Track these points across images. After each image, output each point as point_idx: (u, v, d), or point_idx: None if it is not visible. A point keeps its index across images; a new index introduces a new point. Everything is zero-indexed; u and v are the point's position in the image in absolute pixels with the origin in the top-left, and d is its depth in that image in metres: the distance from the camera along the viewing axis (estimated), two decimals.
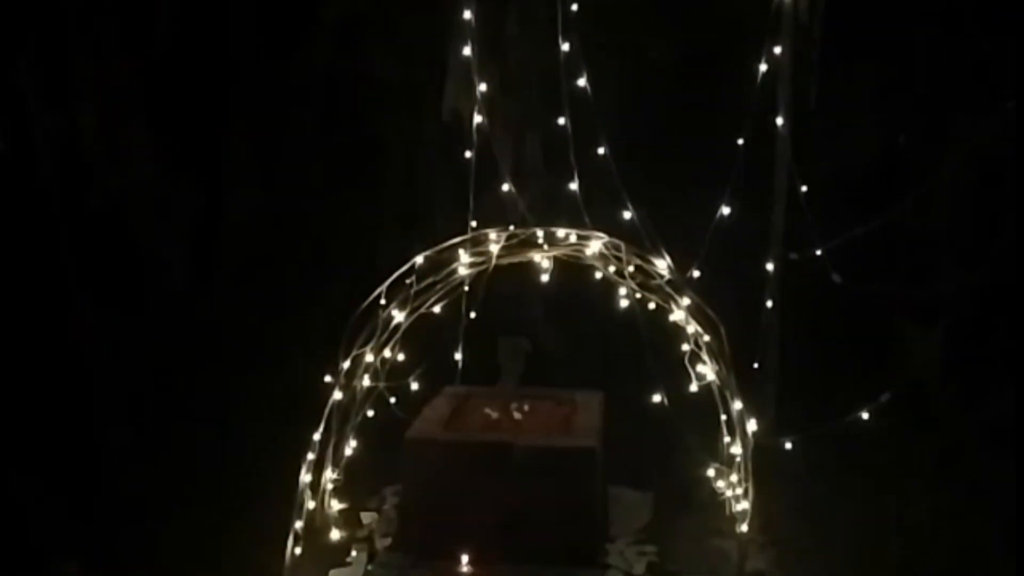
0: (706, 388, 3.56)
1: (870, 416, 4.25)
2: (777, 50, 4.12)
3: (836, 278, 4.32)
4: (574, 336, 5.03)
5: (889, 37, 4.73)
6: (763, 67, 4.11)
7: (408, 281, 3.41)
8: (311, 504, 3.44)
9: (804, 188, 4.32)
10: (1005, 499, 3.82)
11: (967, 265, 4.84)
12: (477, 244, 3.60)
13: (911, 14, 4.73)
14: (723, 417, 3.58)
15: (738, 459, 3.56)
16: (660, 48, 4.60)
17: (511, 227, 3.54)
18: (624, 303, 3.57)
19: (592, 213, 4.15)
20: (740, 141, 4.21)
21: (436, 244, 3.61)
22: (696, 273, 4.21)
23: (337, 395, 3.39)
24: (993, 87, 4.72)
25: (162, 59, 5.11)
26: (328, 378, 3.40)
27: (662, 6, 4.73)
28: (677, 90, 4.92)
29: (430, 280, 3.45)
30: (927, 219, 4.78)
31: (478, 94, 4.38)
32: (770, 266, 4.49)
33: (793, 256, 4.50)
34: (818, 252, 4.39)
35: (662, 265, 3.55)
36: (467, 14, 4.32)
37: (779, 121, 4.24)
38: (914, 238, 4.84)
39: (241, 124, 5.38)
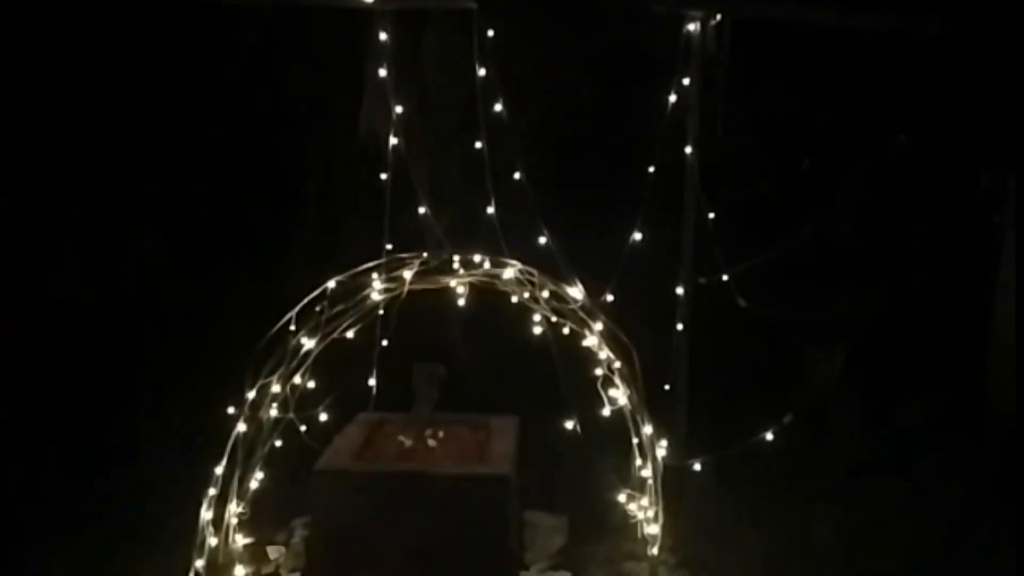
0: (619, 412, 3.61)
1: (776, 435, 4.38)
2: (686, 82, 4.25)
3: (741, 302, 4.46)
4: (490, 361, 5.02)
5: (791, 71, 4.96)
6: (672, 98, 4.23)
7: (318, 308, 3.33)
8: (213, 541, 3.30)
9: (712, 215, 4.45)
10: (905, 516, 4.01)
11: (864, 288, 5.11)
12: (392, 269, 3.56)
13: (812, 49, 4.97)
14: (635, 441, 3.64)
15: (649, 482, 3.61)
16: (574, 78, 4.69)
17: (425, 254, 3.51)
18: (538, 330, 3.58)
19: (508, 237, 4.17)
20: (651, 169, 4.31)
21: (350, 268, 3.56)
22: (609, 297, 4.28)
23: (241, 427, 3.27)
24: (888, 119, 5.02)
25: (65, 75, 4.90)
26: (231, 409, 3.28)
27: (576, 38, 4.83)
28: (590, 119, 5.02)
29: (341, 307, 3.37)
30: (827, 244, 5.02)
31: (394, 116, 4.35)
32: (680, 290, 4.61)
33: (702, 280, 4.63)
34: (724, 277, 4.53)
35: (575, 291, 3.59)
36: (383, 36, 4.29)
37: (688, 150, 4.36)
38: (815, 263, 5.07)
39: (147, 143, 5.19)
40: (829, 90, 5.01)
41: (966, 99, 4.88)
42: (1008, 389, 4.56)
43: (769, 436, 4.31)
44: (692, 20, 4.16)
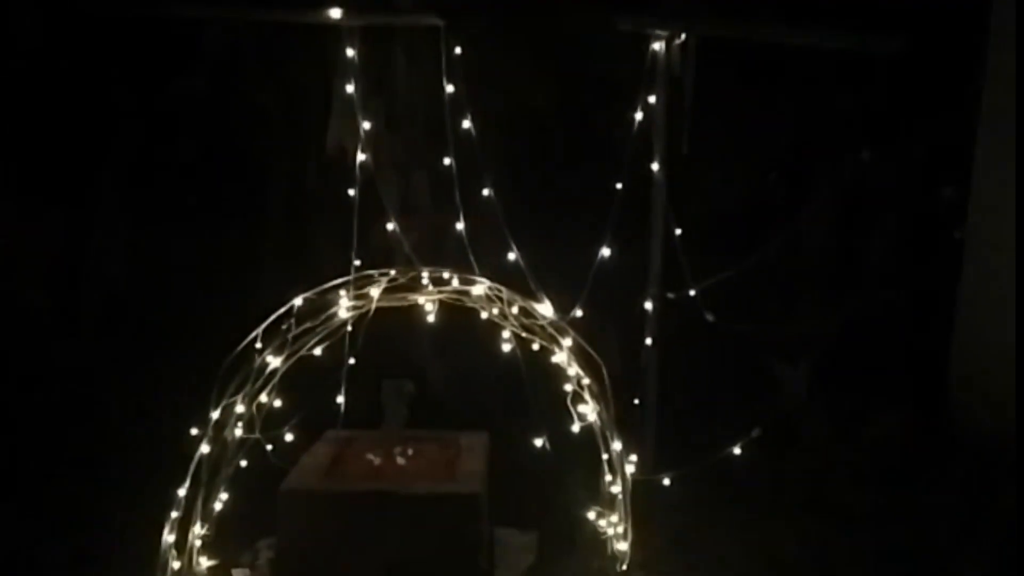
0: (589, 427, 3.61)
1: (744, 450, 4.42)
2: (652, 99, 4.30)
3: (709, 317, 4.50)
4: (460, 377, 5.01)
5: (755, 88, 5.04)
6: (639, 115, 4.28)
7: (284, 326, 3.29)
8: (176, 564, 3.23)
9: (679, 230, 4.49)
10: (873, 528, 4.05)
11: (830, 302, 5.19)
12: (359, 286, 3.54)
13: (775, 67, 5.06)
14: (604, 456, 3.64)
15: (619, 498, 3.62)
16: (541, 95, 4.72)
17: (393, 271, 3.49)
18: (507, 347, 3.58)
19: (477, 253, 4.18)
20: (619, 185, 4.35)
21: (317, 285, 3.53)
22: (578, 313, 4.30)
23: (204, 448, 3.21)
24: (850, 136, 5.12)
25: (29, 89, 4.83)
26: (195, 430, 3.23)
27: (544, 56, 4.86)
28: (558, 136, 5.06)
29: (307, 325, 3.34)
30: (793, 259, 5.10)
31: (362, 131, 4.34)
32: (648, 305, 4.63)
33: (670, 296, 4.67)
34: (692, 292, 4.57)
35: (544, 307, 3.59)
36: (350, 51, 4.29)
37: (655, 166, 4.40)
38: (781, 277, 5.14)
39: (111, 159, 5.12)
40: (793, 107, 5.11)
41: (926, 115, 5.00)
42: (970, 401, 4.65)
43: (737, 450, 4.35)
44: (657, 39, 4.21)
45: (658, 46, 4.22)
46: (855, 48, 4.41)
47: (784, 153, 5.17)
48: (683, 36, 4.21)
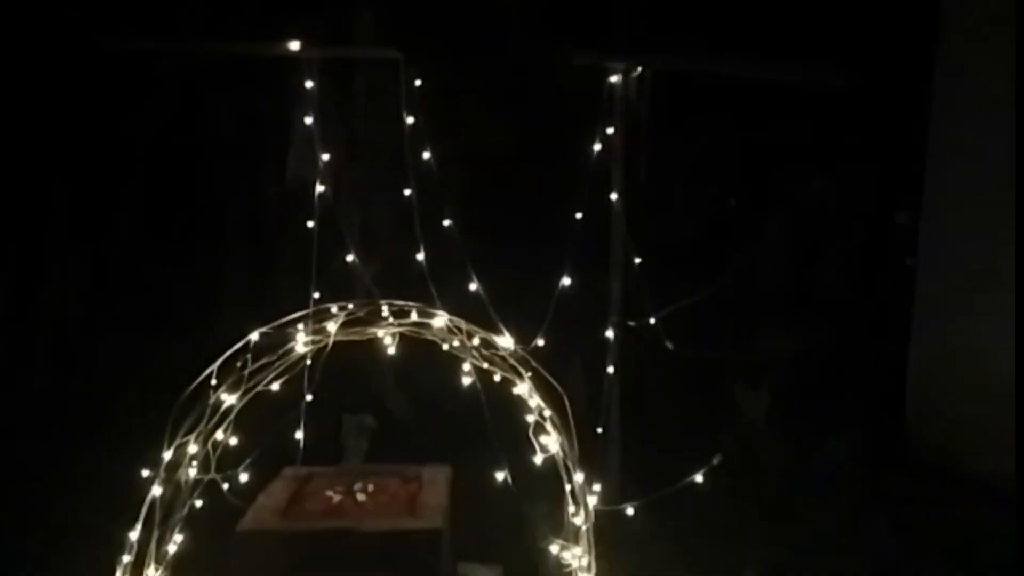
0: (552, 459, 3.59)
1: (706, 476, 4.43)
2: (610, 131, 4.36)
3: (669, 345, 4.53)
4: (422, 410, 4.96)
5: (709, 119, 5.14)
6: (597, 146, 4.33)
7: (239, 363, 3.23)
8: None
9: (638, 259, 4.53)
10: (830, 555, 4.09)
11: (787, 326, 5.27)
12: (318, 319, 3.50)
13: (729, 98, 5.17)
14: (568, 488, 3.62)
15: (583, 530, 3.59)
16: (502, 127, 4.76)
17: (350, 305, 3.45)
18: (467, 380, 3.55)
19: (439, 285, 4.16)
20: (578, 215, 4.38)
21: (276, 319, 3.48)
22: (540, 343, 4.30)
23: (156, 490, 3.13)
24: (804, 165, 5.24)
25: None
26: (146, 472, 3.14)
27: (503, 88, 4.91)
28: (518, 167, 5.09)
29: (264, 361, 3.28)
30: (751, 287, 5.17)
31: (321, 163, 4.32)
32: (610, 334, 4.65)
33: (631, 324, 4.69)
34: (652, 320, 4.60)
35: (505, 339, 3.58)
36: (309, 83, 4.28)
37: (613, 196, 4.45)
38: (740, 303, 5.21)
39: (67, 194, 5.03)
40: (747, 137, 5.21)
41: (877, 145, 5.14)
42: (925, 424, 4.74)
43: (699, 478, 4.36)
44: (614, 72, 4.28)
45: (615, 79, 4.29)
46: (807, 81, 4.52)
47: (739, 181, 5.27)
48: (639, 69, 4.29)
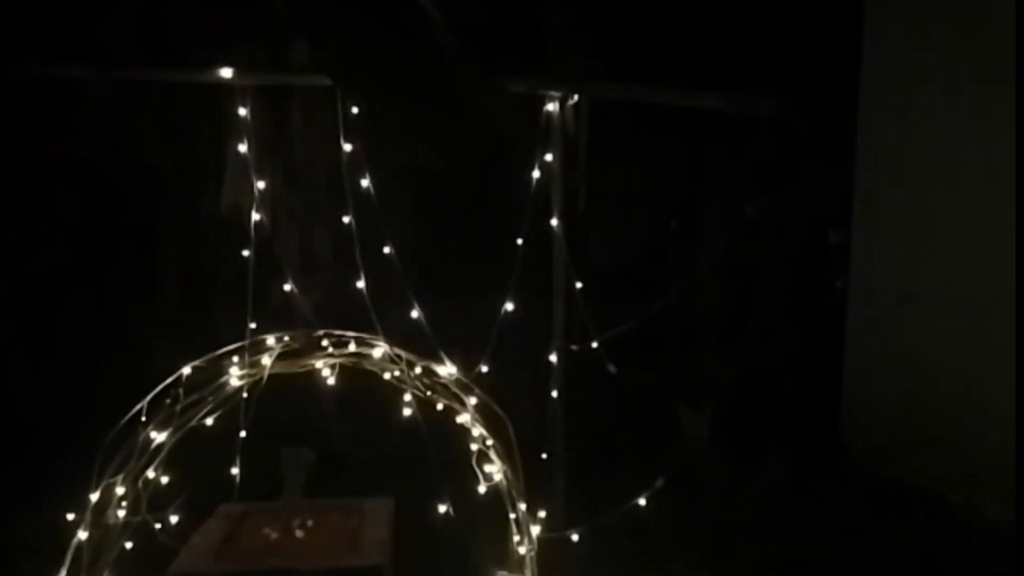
0: (497, 487, 3.56)
1: (650, 499, 4.46)
2: (548, 157, 4.40)
3: (611, 368, 4.56)
4: (364, 441, 4.88)
5: (646, 145, 5.23)
6: (536, 173, 4.37)
7: (167, 400, 3.13)
8: None
9: (579, 284, 4.57)
10: (777, 569, 4.13)
11: (728, 349, 5.36)
12: (255, 351, 3.41)
13: (664, 125, 5.28)
14: (512, 516, 3.59)
15: (527, 559, 3.56)
16: (441, 154, 4.76)
17: (286, 337, 3.39)
18: (407, 411, 3.51)
19: (380, 313, 4.11)
20: (520, 241, 4.40)
21: (210, 351, 3.38)
22: (483, 369, 4.28)
23: (82, 534, 2.99)
24: (738, 190, 5.37)
25: None
26: (71, 515, 3.00)
27: (441, 115, 4.91)
28: (459, 194, 5.09)
29: (194, 397, 3.19)
30: (691, 309, 5.25)
31: (256, 190, 4.25)
32: (553, 358, 4.66)
33: (574, 348, 4.71)
34: (595, 344, 4.63)
35: (447, 367, 3.55)
36: (242, 110, 4.22)
37: (554, 222, 4.49)
38: (681, 326, 5.28)
39: None
40: (683, 163, 5.32)
41: (807, 169, 5.29)
42: (860, 442, 4.86)
43: (642, 501, 4.38)
44: (551, 100, 4.34)
45: (552, 107, 4.34)
46: (738, 109, 4.65)
47: (675, 207, 5.37)
48: (575, 97, 4.35)
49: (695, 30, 5.00)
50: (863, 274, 4.95)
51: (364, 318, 4.04)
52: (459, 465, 3.63)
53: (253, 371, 3.31)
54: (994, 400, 4.05)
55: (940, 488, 4.28)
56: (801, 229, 5.28)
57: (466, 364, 4.05)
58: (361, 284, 4.26)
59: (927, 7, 4.54)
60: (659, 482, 4.35)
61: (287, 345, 3.32)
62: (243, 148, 4.22)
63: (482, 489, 3.53)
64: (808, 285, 5.36)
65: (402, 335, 3.90)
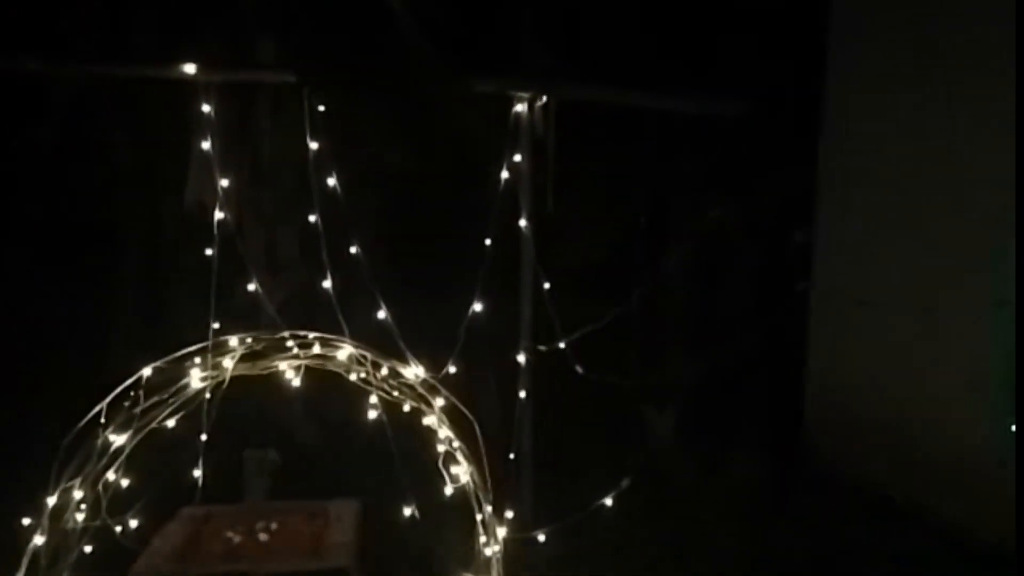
0: (463, 489, 3.56)
1: (616, 499, 4.48)
2: (517, 158, 4.40)
3: (579, 369, 4.58)
4: (329, 443, 4.83)
5: (614, 146, 5.26)
6: (505, 174, 4.37)
7: (126, 402, 3.07)
8: None
9: (547, 285, 4.57)
10: (743, 567, 4.19)
11: (694, 350, 5.41)
12: (218, 351, 3.36)
13: (632, 126, 5.30)
14: (479, 518, 3.59)
15: (494, 560, 3.56)
16: (409, 153, 4.74)
17: (249, 339, 3.34)
18: (373, 413, 3.48)
19: (347, 313, 4.08)
20: (488, 242, 4.40)
21: (172, 351, 3.33)
22: (451, 369, 4.27)
23: (39, 539, 2.93)
24: (705, 191, 5.42)
25: None
26: (27, 520, 2.94)
27: (410, 114, 4.89)
28: (427, 194, 5.07)
29: (155, 398, 3.13)
30: (658, 310, 5.29)
31: (220, 188, 4.18)
32: (521, 359, 4.67)
33: (541, 348, 4.72)
34: (562, 344, 4.64)
35: (413, 368, 3.54)
36: (206, 107, 4.15)
37: (522, 223, 4.49)
38: (647, 327, 5.32)
39: None
40: (650, 164, 5.35)
41: (772, 170, 5.35)
42: (823, 442, 4.93)
43: (608, 501, 4.40)
44: (520, 101, 4.33)
45: (521, 108, 4.34)
46: (704, 111, 4.69)
47: (643, 208, 5.41)
48: (544, 99, 4.35)
49: (663, 33, 5.03)
50: (825, 276, 5.03)
51: (331, 318, 4.00)
52: (426, 466, 3.62)
53: (215, 373, 3.26)
54: (948, 402, 4.14)
55: (898, 488, 4.37)
56: (766, 231, 5.34)
57: (434, 364, 4.04)
58: (327, 284, 4.22)
59: (891, 13, 4.62)
60: (625, 482, 4.38)
61: (250, 346, 3.28)
62: (207, 145, 4.16)
63: (448, 491, 3.53)
64: (772, 286, 5.42)
65: (369, 335, 3.88)
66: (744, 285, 5.43)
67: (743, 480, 4.86)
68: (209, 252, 4.22)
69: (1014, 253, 3.77)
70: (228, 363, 3.21)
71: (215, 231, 4.21)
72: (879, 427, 4.54)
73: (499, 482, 3.63)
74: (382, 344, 3.84)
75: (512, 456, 4.62)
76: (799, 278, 5.16)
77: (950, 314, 4.09)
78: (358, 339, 3.73)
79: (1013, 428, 3.72)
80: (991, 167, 3.94)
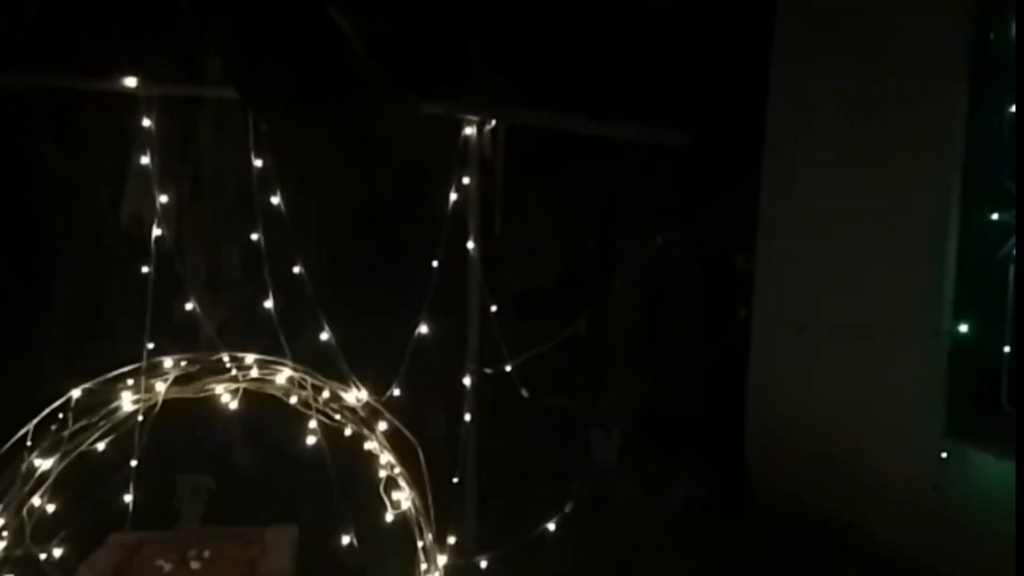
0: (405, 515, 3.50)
1: (560, 522, 4.47)
2: (466, 180, 4.40)
3: (524, 393, 4.57)
4: (267, 466, 4.72)
5: (563, 171, 5.30)
6: (453, 196, 4.36)
7: (54, 425, 2.96)
8: None
9: (494, 307, 4.57)
10: None
11: (638, 373, 5.46)
12: (151, 373, 3.27)
13: (581, 152, 5.35)
14: (420, 544, 3.53)
15: None
16: (356, 174, 4.70)
17: (184, 361, 3.26)
18: (312, 439, 3.42)
19: (290, 334, 4.00)
20: (435, 263, 4.38)
21: (106, 372, 3.22)
22: (396, 392, 4.22)
23: None
24: (650, 217, 5.50)
25: None
26: None
27: (356, 135, 4.86)
28: (375, 215, 5.03)
29: (84, 422, 3.03)
30: (603, 334, 5.32)
31: (158, 204, 4.08)
32: (467, 381, 4.64)
33: (488, 371, 4.70)
34: (508, 367, 4.63)
35: (356, 392, 3.49)
36: (147, 121, 4.06)
37: (470, 244, 4.48)
38: (593, 351, 5.35)
39: None
40: (598, 189, 5.41)
41: (717, 196, 5.45)
42: (764, 466, 4.99)
43: (551, 526, 4.39)
44: (469, 124, 4.35)
45: (470, 130, 4.35)
46: (650, 140, 4.77)
47: (590, 233, 5.46)
48: (493, 122, 4.37)
49: (610, 61, 5.11)
50: (765, 302, 5.12)
51: (272, 339, 3.92)
52: (367, 492, 3.56)
53: (148, 395, 3.16)
54: (884, 428, 4.24)
55: (837, 512, 4.43)
56: (709, 257, 5.43)
57: (378, 387, 3.99)
58: (269, 304, 4.14)
59: (831, 43, 4.75)
60: (568, 507, 4.37)
61: (185, 368, 3.19)
62: (146, 160, 4.06)
63: (389, 517, 3.48)
64: (716, 311, 5.50)
65: (313, 357, 3.81)
66: (689, 309, 5.50)
67: (686, 504, 4.90)
68: (146, 269, 4.11)
69: (951, 283, 3.90)
70: (161, 386, 3.12)
71: (152, 248, 4.11)
72: (818, 452, 4.61)
73: (442, 507, 3.59)
74: (325, 366, 3.78)
75: (456, 480, 4.58)
76: (741, 304, 5.24)
77: (885, 342, 4.19)
78: (301, 361, 3.67)
79: (944, 455, 3.83)
80: (930, 199, 4.06)
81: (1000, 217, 3.82)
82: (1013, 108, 3.81)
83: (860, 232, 4.49)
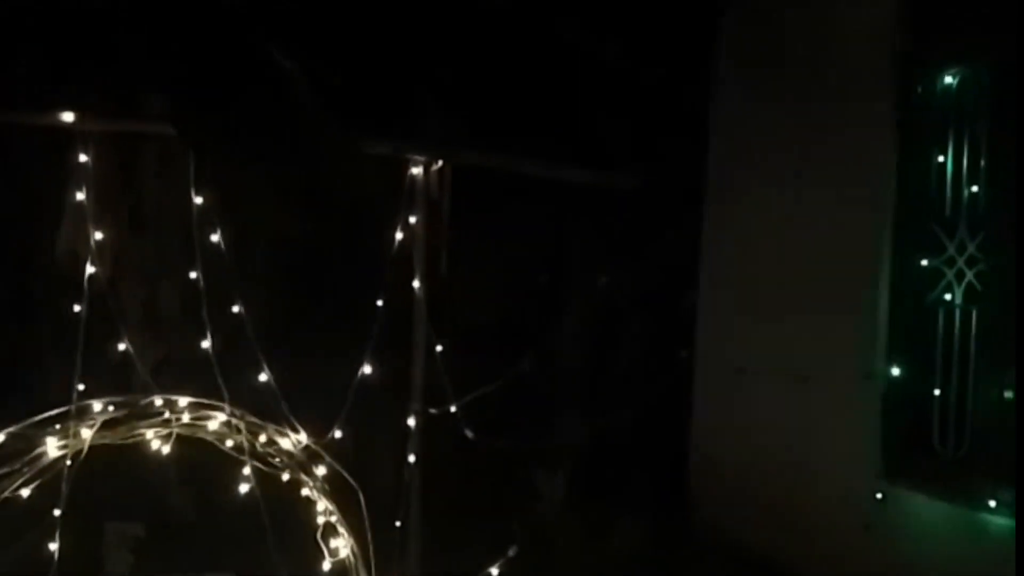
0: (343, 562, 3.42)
1: (503, 568, 4.40)
2: (412, 219, 4.39)
3: (468, 434, 4.53)
4: (200, 513, 4.56)
5: (510, 211, 5.33)
6: (399, 235, 4.35)
7: None
8: None
9: (440, 347, 4.53)
10: None
11: (584, 414, 5.47)
12: (80, 416, 3.15)
13: (528, 191, 5.40)
14: None
15: None
16: (301, 213, 4.66)
17: (112, 405, 3.15)
18: (246, 486, 3.33)
19: (228, 376, 3.90)
20: (380, 303, 4.34)
21: (32, 415, 3.10)
22: (337, 434, 4.13)
23: None
24: (596, 259, 5.56)
25: None
26: None
27: (301, 173, 4.83)
28: (318, 255, 4.98)
29: (7, 468, 2.90)
30: (549, 375, 5.33)
31: (93, 241, 3.96)
32: (411, 422, 4.58)
33: (432, 412, 4.65)
34: (453, 408, 4.59)
35: (293, 436, 3.42)
36: (83, 157, 3.96)
37: (416, 284, 4.46)
38: (539, 392, 5.34)
39: None
40: (544, 230, 5.45)
41: (660, 238, 5.54)
42: (708, 506, 5.03)
43: (495, 571, 4.33)
44: (416, 164, 4.35)
45: (416, 171, 4.36)
46: (597, 183, 4.84)
47: (537, 274, 5.49)
48: (440, 163, 4.39)
49: (556, 105, 5.19)
50: (706, 343, 5.20)
51: (210, 381, 3.82)
52: (304, 539, 3.47)
53: (74, 440, 3.04)
54: (820, 469, 4.31)
55: (777, 553, 4.48)
56: (653, 297, 5.50)
57: (320, 429, 3.91)
58: (207, 344, 4.04)
59: (768, 94, 4.91)
60: (512, 551, 4.32)
61: (113, 413, 3.09)
62: (81, 196, 3.96)
63: (327, 565, 3.39)
64: (659, 352, 5.56)
65: (252, 399, 3.72)
66: (632, 350, 5.55)
67: (629, 545, 4.88)
68: (77, 308, 3.98)
69: (884, 328, 4.02)
70: (87, 432, 3.01)
71: (86, 285, 3.99)
72: (758, 493, 4.67)
73: (385, 550, 3.52)
74: (265, 408, 3.70)
75: (399, 524, 4.50)
76: (682, 345, 5.31)
77: (821, 384, 4.29)
78: (240, 403, 3.58)
79: (879, 495, 3.91)
80: (862, 245, 4.19)
81: (930, 263, 3.97)
82: (940, 158, 4.00)
83: (795, 276, 4.61)
